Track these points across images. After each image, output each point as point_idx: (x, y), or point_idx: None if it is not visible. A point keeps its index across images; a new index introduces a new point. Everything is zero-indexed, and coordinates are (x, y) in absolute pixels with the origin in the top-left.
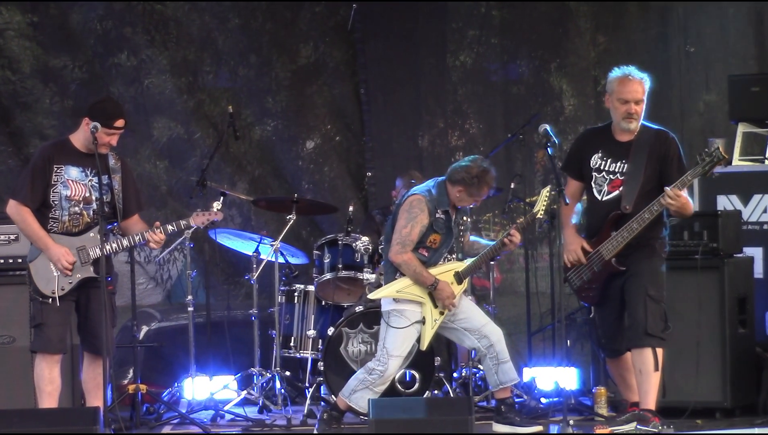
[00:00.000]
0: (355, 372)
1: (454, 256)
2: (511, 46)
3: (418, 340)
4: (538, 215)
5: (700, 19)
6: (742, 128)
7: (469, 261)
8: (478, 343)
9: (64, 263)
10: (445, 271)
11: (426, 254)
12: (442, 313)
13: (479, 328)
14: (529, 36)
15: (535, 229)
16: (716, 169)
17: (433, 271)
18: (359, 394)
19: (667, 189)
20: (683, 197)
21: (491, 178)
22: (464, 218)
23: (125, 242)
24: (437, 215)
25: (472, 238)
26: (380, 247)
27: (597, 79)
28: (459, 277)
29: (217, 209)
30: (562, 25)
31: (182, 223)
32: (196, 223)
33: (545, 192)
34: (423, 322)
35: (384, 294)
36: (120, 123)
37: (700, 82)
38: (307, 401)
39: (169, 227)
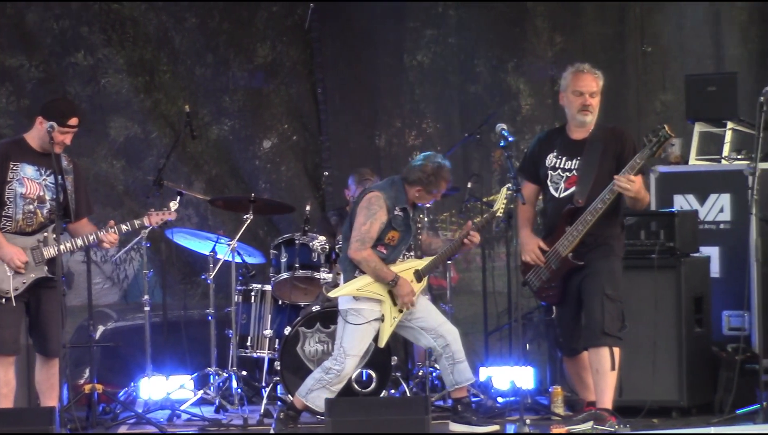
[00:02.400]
0: (312, 371)
1: (412, 253)
2: (468, 45)
3: (375, 339)
4: (498, 214)
5: (657, 19)
6: (698, 128)
7: (428, 259)
8: (434, 343)
9: (17, 262)
10: (405, 268)
11: (384, 251)
12: (400, 311)
13: (436, 327)
14: (486, 35)
15: (492, 228)
16: (674, 166)
17: (393, 268)
18: (316, 393)
19: (618, 176)
20: (637, 181)
21: (447, 172)
22: (420, 216)
23: (79, 242)
24: (396, 212)
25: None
26: (337, 246)
27: (554, 79)
28: (419, 275)
29: (174, 209)
30: (519, 25)
31: (137, 222)
32: (151, 222)
33: (504, 190)
34: (381, 319)
35: (343, 292)
36: (74, 121)
37: (656, 81)
38: (264, 401)
39: (124, 227)
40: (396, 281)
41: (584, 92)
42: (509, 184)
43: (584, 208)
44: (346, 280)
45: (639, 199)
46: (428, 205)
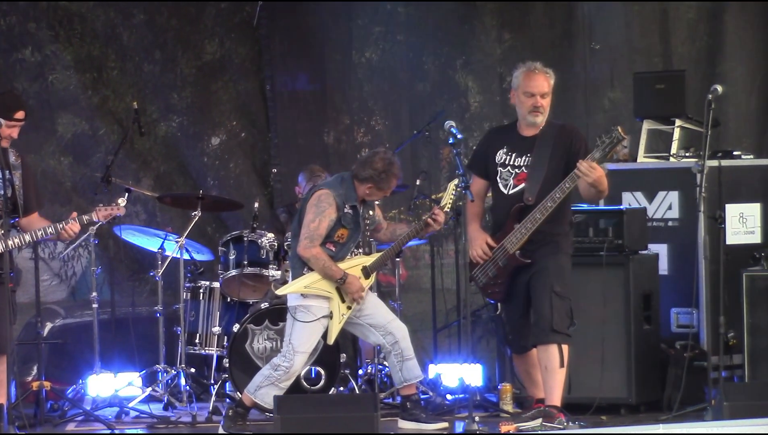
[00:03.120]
0: (261, 369)
1: (360, 250)
2: (417, 43)
3: (324, 336)
4: (445, 209)
5: (606, 17)
6: (647, 125)
7: (376, 255)
8: (383, 340)
9: None
10: (353, 265)
11: (333, 249)
12: (349, 308)
13: (384, 324)
14: (434, 33)
15: (443, 225)
16: (622, 163)
17: (341, 265)
18: (264, 390)
19: (581, 162)
20: (599, 169)
21: (397, 168)
22: (370, 212)
23: (27, 238)
24: (345, 210)
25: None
26: (286, 243)
27: (502, 76)
28: (366, 272)
29: (122, 205)
30: (467, 22)
31: (85, 218)
32: (99, 217)
33: (452, 186)
34: (330, 316)
35: (292, 289)
36: (20, 114)
37: (605, 79)
38: (213, 398)
39: (76, 222)
40: (344, 279)
41: (535, 93)
42: (456, 181)
43: (533, 206)
44: (294, 277)
45: (598, 188)
46: (378, 203)
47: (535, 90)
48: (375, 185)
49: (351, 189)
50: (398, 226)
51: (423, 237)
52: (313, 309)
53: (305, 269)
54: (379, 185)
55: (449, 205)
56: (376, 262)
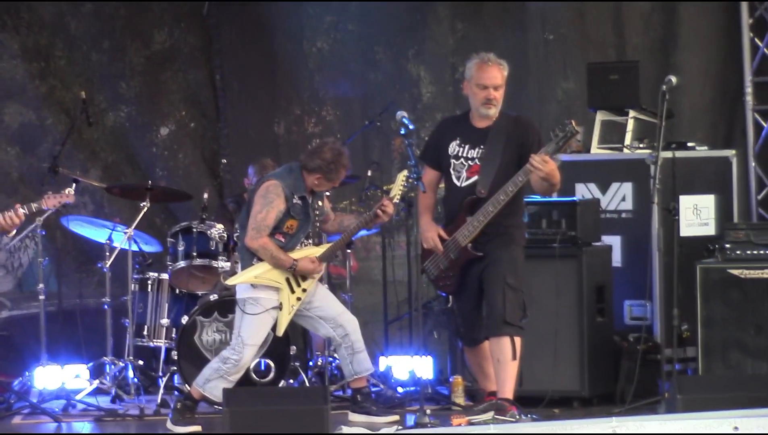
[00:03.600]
0: (210, 361)
1: (310, 241)
2: (369, 32)
3: (274, 328)
4: (395, 199)
5: (559, 7)
6: (600, 116)
7: (326, 246)
8: (333, 332)
9: None
10: (303, 256)
11: (283, 240)
12: (299, 299)
13: (335, 317)
14: (386, 22)
15: (392, 216)
16: (575, 154)
17: (292, 255)
18: (213, 383)
19: (534, 155)
20: (551, 163)
21: (346, 159)
22: (319, 203)
23: None
24: (294, 201)
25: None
26: (235, 234)
27: (455, 66)
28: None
29: (71, 193)
30: (419, 12)
31: (33, 205)
32: (48, 205)
33: (401, 177)
34: (280, 308)
35: (241, 280)
36: None
37: (558, 69)
38: (161, 391)
39: (21, 211)
40: (295, 266)
41: (488, 86)
42: (406, 171)
43: (486, 199)
44: (243, 268)
45: (551, 181)
46: (327, 194)
47: (488, 82)
48: (324, 176)
49: (299, 179)
50: (346, 217)
51: (371, 227)
52: (262, 301)
53: (254, 260)
54: (328, 176)
55: (398, 196)
56: (325, 253)
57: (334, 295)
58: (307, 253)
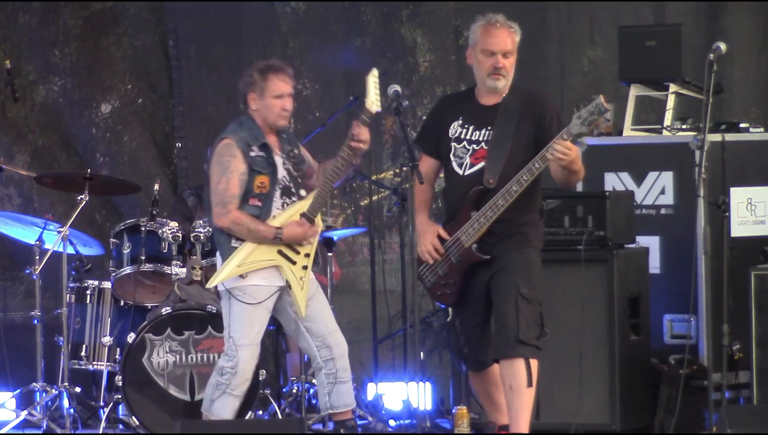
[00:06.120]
0: (161, 387)
1: (295, 198)
2: None
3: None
4: (373, 109)
5: None
6: (634, 91)
7: (312, 196)
8: (316, 351)
9: None
10: (290, 216)
11: (260, 204)
12: (305, 268)
13: (324, 335)
14: None
15: (382, 213)
16: (604, 137)
17: (277, 221)
18: (219, 402)
19: (555, 142)
20: (575, 150)
21: (278, 63)
22: (295, 151)
23: None
24: (253, 154)
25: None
26: (193, 234)
27: (459, 30)
28: (308, 218)
29: None
30: None
31: None
32: None
33: (372, 78)
34: (288, 286)
35: (223, 276)
36: None
37: (583, 34)
38: (102, 424)
39: None
40: (281, 234)
41: (496, 52)
42: (376, 71)
43: (495, 190)
44: (224, 259)
45: (574, 172)
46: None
47: (496, 48)
48: (258, 98)
49: (253, 126)
50: (327, 164)
51: (358, 162)
52: (251, 291)
53: (233, 242)
54: (265, 93)
55: (376, 103)
56: (314, 204)
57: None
58: (291, 213)
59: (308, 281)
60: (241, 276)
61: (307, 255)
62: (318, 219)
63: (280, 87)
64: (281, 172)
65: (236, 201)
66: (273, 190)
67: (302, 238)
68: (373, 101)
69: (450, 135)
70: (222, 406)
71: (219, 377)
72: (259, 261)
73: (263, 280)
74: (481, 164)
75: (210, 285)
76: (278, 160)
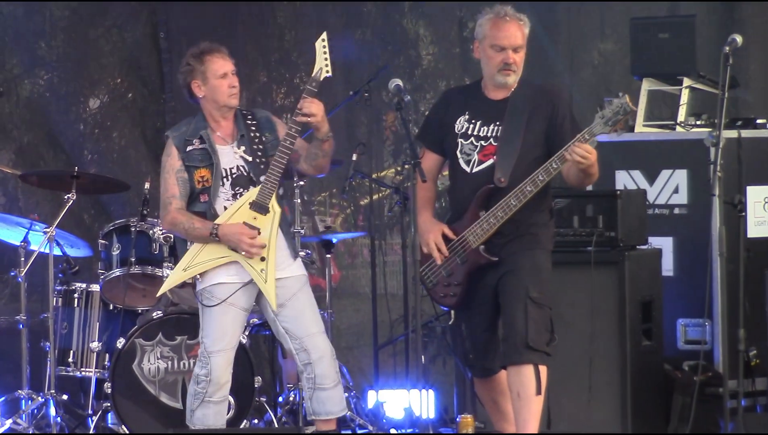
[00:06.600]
0: (152, 394)
1: (252, 185)
2: None
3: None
4: (321, 76)
5: None
6: (647, 85)
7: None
8: (296, 355)
9: None
10: (237, 208)
11: (209, 198)
12: (263, 259)
13: (302, 337)
14: None
15: (383, 213)
16: (615, 134)
17: (225, 215)
18: (199, 412)
19: (576, 146)
20: (595, 153)
21: (209, 44)
22: (267, 135)
23: None
24: (189, 148)
25: None
26: None
27: (463, 22)
28: (259, 206)
29: None
30: None
31: None
32: None
33: (320, 45)
34: (250, 282)
35: (169, 282)
36: None
37: (593, 26)
38: (91, 432)
39: None
40: (216, 233)
41: (506, 47)
42: (325, 35)
43: (506, 190)
44: None
45: (590, 175)
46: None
47: (506, 42)
48: (203, 82)
49: (200, 119)
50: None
51: (322, 136)
52: (214, 292)
53: (188, 244)
54: (207, 76)
55: (325, 69)
56: (263, 190)
57: (316, 310)
58: (241, 203)
59: (271, 272)
60: (199, 277)
61: (263, 246)
62: (273, 203)
63: (222, 65)
64: (231, 162)
65: (176, 200)
66: (217, 181)
67: (238, 244)
68: (322, 67)
69: (456, 130)
70: (203, 414)
71: (195, 386)
72: (208, 260)
73: (226, 277)
74: (490, 161)
75: (159, 293)
76: (225, 149)
